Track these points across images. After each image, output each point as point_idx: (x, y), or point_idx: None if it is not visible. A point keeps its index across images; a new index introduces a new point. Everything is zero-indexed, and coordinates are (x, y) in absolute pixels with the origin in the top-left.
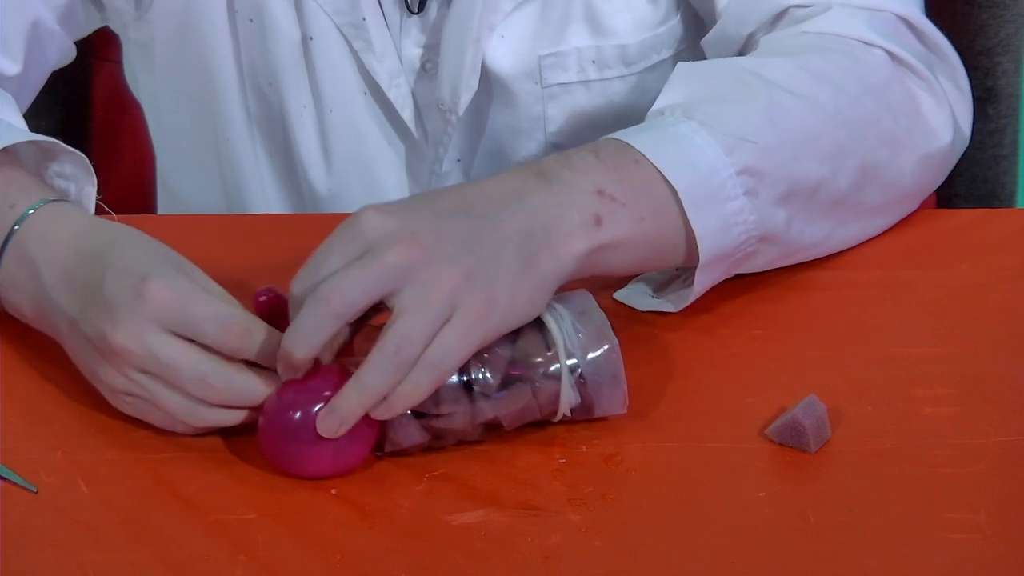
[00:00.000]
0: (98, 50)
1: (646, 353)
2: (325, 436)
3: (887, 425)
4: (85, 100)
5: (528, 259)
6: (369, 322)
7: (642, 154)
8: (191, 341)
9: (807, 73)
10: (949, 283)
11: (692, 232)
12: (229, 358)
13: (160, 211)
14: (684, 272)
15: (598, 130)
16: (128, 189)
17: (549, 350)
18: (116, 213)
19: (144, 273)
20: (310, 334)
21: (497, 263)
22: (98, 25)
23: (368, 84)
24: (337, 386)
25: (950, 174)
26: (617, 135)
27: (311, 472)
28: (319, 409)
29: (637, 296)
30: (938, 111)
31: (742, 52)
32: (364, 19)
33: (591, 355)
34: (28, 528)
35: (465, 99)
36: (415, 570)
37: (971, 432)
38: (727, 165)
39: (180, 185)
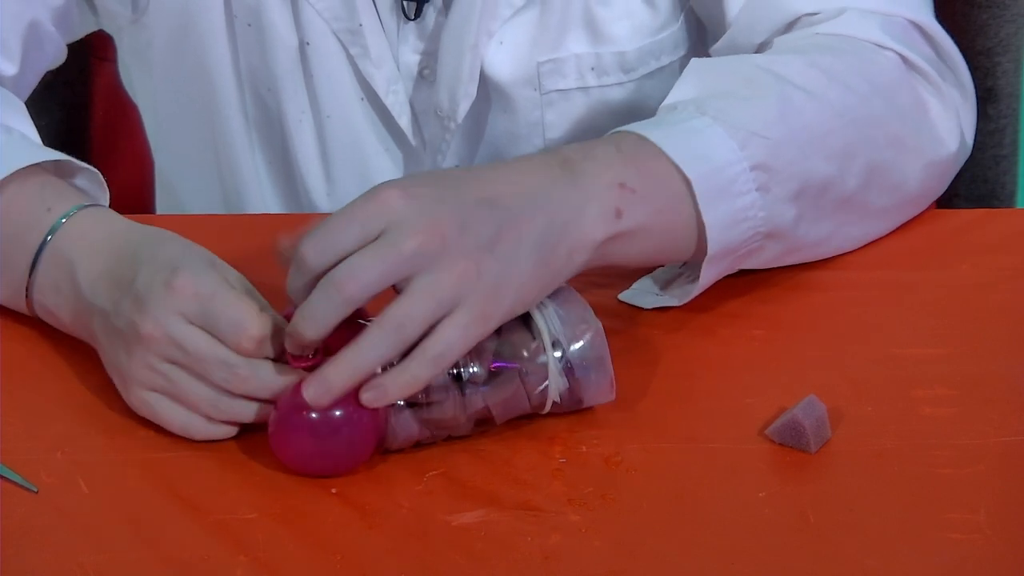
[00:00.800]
0: (97, 50)
1: (646, 353)
2: (310, 403)
3: (887, 425)
4: (85, 100)
5: (544, 256)
6: None
7: (658, 147)
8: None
9: (818, 71)
10: (949, 283)
11: (702, 225)
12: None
13: (159, 211)
14: (687, 270)
15: (597, 136)
16: (128, 189)
17: (534, 340)
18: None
19: (176, 266)
20: (321, 317)
21: (512, 261)
22: (92, 29)
23: (365, 90)
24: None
25: None
26: (632, 128)
27: (321, 470)
28: (331, 406)
29: (641, 295)
30: (946, 118)
31: None
32: (361, 25)
33: (576, 341)
34: (28, 528)
35: (464, 106)
36: (415, 570)
37: (971, 432)
38: (740, 160)
39: (179, 186)
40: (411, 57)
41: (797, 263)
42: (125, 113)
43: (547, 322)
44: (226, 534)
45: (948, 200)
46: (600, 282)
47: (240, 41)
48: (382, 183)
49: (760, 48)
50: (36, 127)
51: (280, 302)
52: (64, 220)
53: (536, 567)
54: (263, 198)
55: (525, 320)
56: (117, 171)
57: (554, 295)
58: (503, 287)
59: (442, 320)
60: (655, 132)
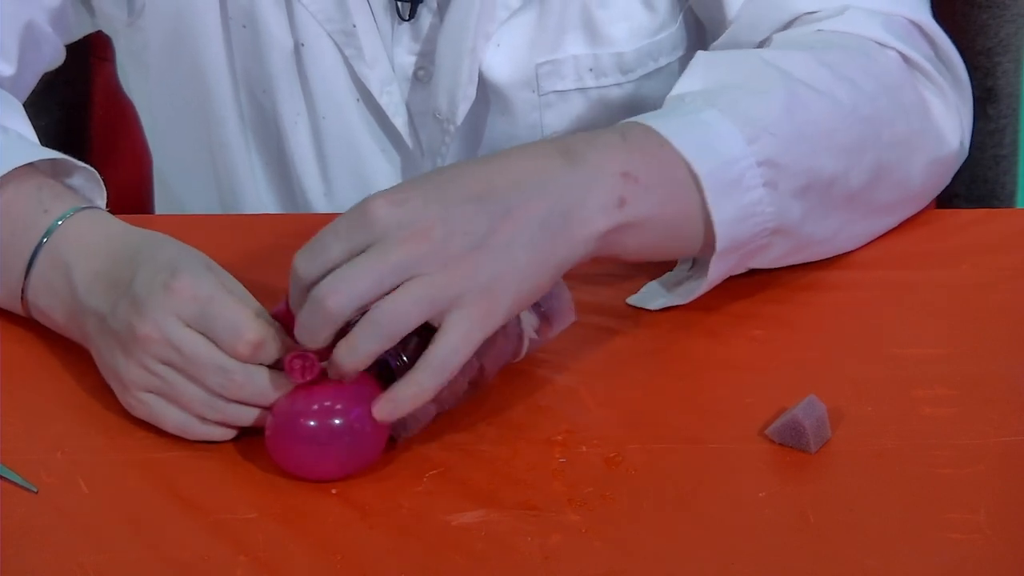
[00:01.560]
0: (97, 50)
1: (647, 353)
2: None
3: (887, 425)
4: (85, 100)
5: (542, 247)
6: None
7: (666, 138)
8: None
9: (826, 68)
10: (949, 283)
11: (709, 220)
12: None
13: (158, 211)
14: (694, 271)
15: None
16: (127, 188)
17: None
18: (115, 212)
19: (175, 268)
20: (310, 330)
21: (508, 255)
22: (89, 30)
23: (360, 92)
24: (347, 390)
25: None
26: (639, 118)
27: (319, 475)
28: (328, 412)
29: (649, 297)
30: (947, 116)
31: None
32: (355, 26)
33: None
34: (28, 528)
35: (463, 109)
36: (415, 570)
37: (971, 432)
38: (748, 155)
39: (176, 187)
40: (406, 58)
41: (802, 262)
42: (124, 113)
43: None
44: (226, 534)
45: (948, 200)
46: (603, 282)
47: (235, 43)
48: (372, 194)
49: (760, 46)
50: (36, 127)
51: (276, 303)
52: (61, 222)
53: (536, 567)
54: (260, 199)
55: None
56: (116, 170)
57: None
58: (501, 283)
59: (444, 328)
60: (662, 123)
